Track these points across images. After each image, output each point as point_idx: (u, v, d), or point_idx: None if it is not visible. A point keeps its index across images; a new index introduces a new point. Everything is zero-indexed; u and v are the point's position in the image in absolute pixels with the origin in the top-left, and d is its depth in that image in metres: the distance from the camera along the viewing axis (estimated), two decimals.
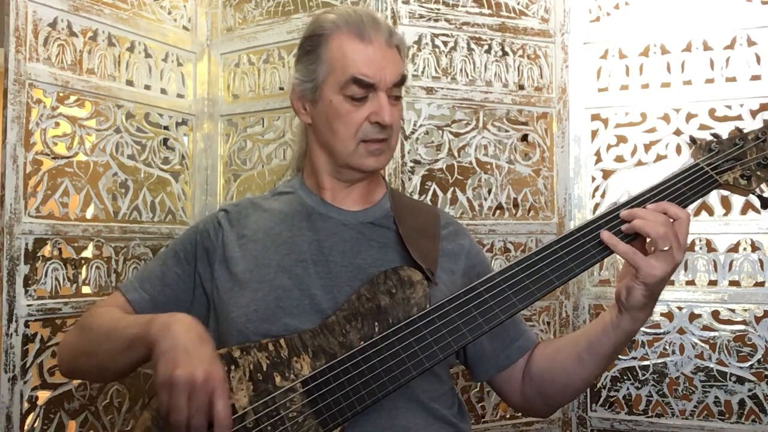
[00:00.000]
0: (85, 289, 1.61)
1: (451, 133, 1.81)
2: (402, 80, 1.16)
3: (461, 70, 1.82)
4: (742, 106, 1.74)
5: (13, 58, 1.46)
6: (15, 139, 1.45)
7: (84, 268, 1.61)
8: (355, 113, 1.13)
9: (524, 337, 1.22)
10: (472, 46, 1.83)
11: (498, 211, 1.86)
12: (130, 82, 1.74)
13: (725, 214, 1.75)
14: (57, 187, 1.55)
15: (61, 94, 1.56)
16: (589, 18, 1.90)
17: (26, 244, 1.47)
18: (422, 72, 1.78)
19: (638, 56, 1.85)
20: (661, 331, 1.79)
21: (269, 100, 1.86)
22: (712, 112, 1.77)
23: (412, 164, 1.76)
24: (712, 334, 1.75)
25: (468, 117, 1.83)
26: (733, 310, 1.73)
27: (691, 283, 1.78)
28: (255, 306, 1.10)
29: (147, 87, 1.78)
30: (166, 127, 1.83)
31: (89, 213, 1.64)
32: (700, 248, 1.77)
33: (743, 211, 1.74)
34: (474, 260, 1.24)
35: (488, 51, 1.85)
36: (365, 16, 1.15)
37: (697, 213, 1.76)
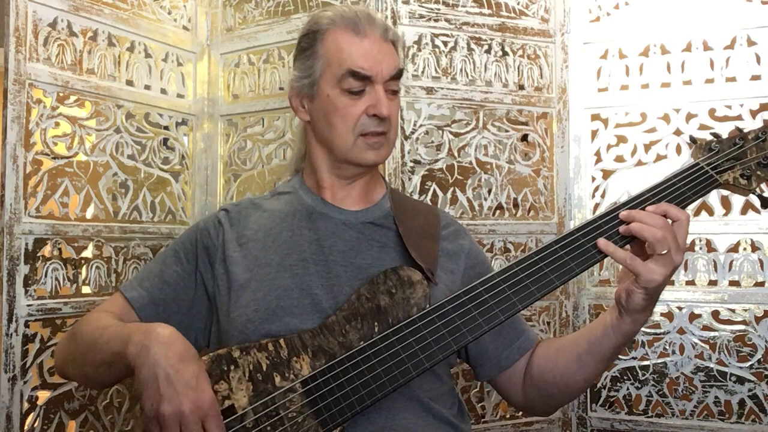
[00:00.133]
0: (85, 289, 1.61)
1: (451, 133, 1.81)
2: (399, 74, 1.16)
3: (461, 70, 1.82)
4: (742, 106, 1.75)
5: (13, 58, 1.46)
6: (15, 139, 1.45)
7: (84, 268, 1.61)
8: (353, 107, 1.13)
9: (524, 336, 1.22)
10: (472, 46, 1.83)
11: (498, 211, 1.86)
12: (130, 82, 1.74)
13: (725, 214, 1.75)
14: (57, 187, 1.55)
15: (61, 94, 1.56)
16: (589, 18, 1.90)
17: (26, 244, 1.47)
18: (422, 72, 1.78)
19: (638, 56, 1.86)
20: (661, 331, 1.79)
21: (269, 100, 1.86)
22: (712, 112, 1.77)
23: (412, 164, 1.76)
24: (712, 334, 1.75)
25: (468, 117, 1.83)
26: (733, 310, 1.73)
27: (691, 283, 1.78)
28: (255, 306, 1.10)
29: (147, 87, 1.78)
30: (166, 127, 1.83)
31: (89, 213, 1.64)
32: (700, 248, 1.77)
33: (743, 211, 1.74)
34: (474, 260, 1.23)
35: (488, 51, 1.85)
36: (360, 12, 1.16)
37: (697, 213, 1.76)
